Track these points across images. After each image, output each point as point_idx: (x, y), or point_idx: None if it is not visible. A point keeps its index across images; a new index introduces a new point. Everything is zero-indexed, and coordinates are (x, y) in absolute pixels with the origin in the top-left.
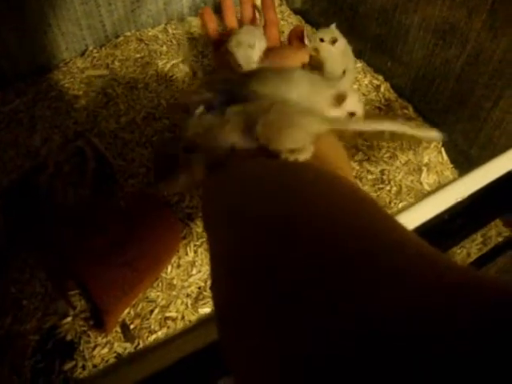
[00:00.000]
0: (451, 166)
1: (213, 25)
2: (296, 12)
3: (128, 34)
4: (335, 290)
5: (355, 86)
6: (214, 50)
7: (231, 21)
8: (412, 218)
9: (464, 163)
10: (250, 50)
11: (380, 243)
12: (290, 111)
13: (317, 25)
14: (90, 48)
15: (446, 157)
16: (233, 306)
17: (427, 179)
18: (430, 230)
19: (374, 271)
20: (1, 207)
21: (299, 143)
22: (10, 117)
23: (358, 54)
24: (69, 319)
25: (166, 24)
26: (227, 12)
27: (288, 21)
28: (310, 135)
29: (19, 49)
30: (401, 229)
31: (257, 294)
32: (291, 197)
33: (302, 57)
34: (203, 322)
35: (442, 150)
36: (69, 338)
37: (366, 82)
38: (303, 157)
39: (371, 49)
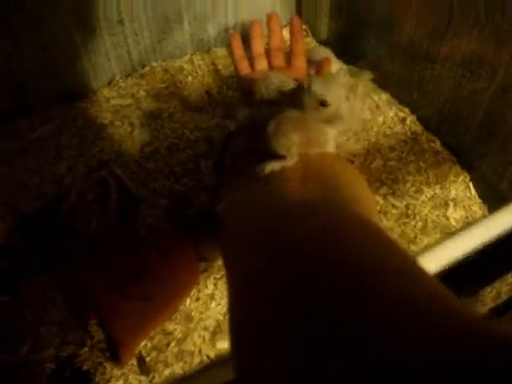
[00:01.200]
0: (479, 200)
1: (240, 51)
2: (322, 44)
3: (154, 64)
4: (359, 325)
5: (380, 119)
6: (240, 82)
7: (258, 48)
8: (439, 257)
9: (493, 198)
10: None
11: (401, 284)
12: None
13: (342, 56)
14: (117, 78)
15: (473, 191)
16: (251, 326)
17: (454, 214)
18: (457, 269)
19: (396, 309)
20: (23, 233)
21: (290, 150)
22: (37, 144)
23: (384, 86)
24: (86, 349)
25: (191, 55)
26: (255, 40)
27: None
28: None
29: (47, 78)
30: (422, 274)
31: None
32: (323, 235)
33: None
34: (222, 360)
35: (470, 184)
36: (85, 368)
37: (392, 115)
38: (288, 164)
39: (397, 80)
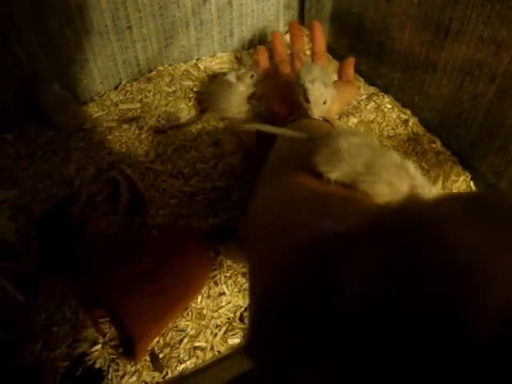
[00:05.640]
0: None
1: (265, 60)
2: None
3: (161, 68)
4: None
5: (384, 123)
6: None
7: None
8: None
9: None
10: (323, 88)
11: None
12: None
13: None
14: (124, 82)
15: (475, 190)
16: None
17: None
18: None
19: None
20: (36, 234)
21: None
22: (46, 148)
23: (386, 89)
24: (98, 346)
25: (197, 59)
26: (277, 48)
27: None
28: None
29: (56, 82)
30: None
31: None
32: None
33: (353, 91)
34: (232, 353)
35: (471, 183)
36: (98, 365)
37: (394, 117)
38: None
39: (398, 84)
